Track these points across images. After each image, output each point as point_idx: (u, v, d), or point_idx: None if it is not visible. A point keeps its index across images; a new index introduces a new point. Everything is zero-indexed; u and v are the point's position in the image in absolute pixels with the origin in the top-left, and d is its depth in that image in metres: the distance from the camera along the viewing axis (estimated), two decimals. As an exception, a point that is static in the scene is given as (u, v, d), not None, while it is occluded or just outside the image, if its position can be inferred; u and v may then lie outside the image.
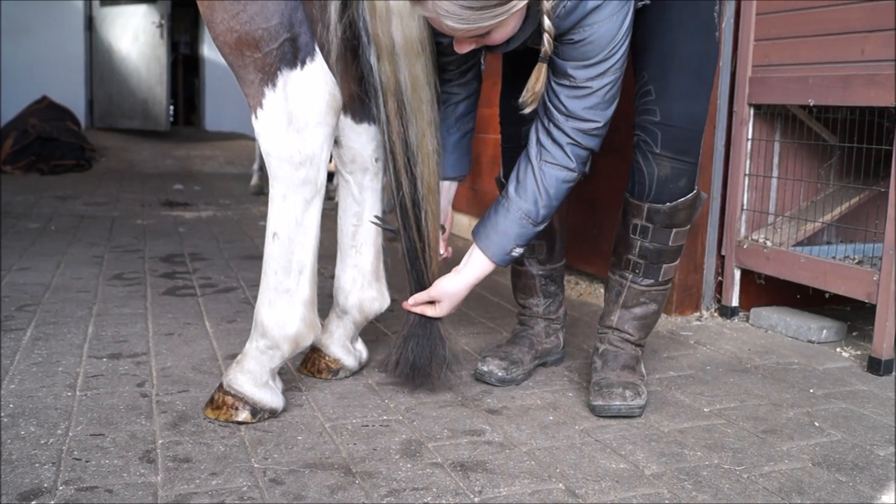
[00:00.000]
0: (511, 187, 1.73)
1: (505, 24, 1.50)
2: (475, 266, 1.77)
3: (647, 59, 1.77)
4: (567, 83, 1.63)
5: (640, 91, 1.78)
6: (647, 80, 1.77)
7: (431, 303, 1.80)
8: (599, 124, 1.66)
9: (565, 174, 1.69)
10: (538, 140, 1.69)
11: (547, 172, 1.69)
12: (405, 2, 1.59)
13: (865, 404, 1.90)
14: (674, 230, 1.82)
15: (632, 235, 1.84)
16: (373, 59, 1.67)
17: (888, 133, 2.24)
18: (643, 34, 1.75)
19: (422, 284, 1.81)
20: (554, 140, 1.67)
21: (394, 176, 1.76)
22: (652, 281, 1.86)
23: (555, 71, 1.64)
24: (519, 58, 1.85)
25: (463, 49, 1.56)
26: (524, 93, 1.61)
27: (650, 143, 1.76)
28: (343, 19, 1.71)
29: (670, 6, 1.74)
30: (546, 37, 1.55)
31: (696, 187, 1.82)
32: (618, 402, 1.75)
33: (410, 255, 1.80)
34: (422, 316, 1.81)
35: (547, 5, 1.52)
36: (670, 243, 1.83)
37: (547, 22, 1.53)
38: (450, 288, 1.77)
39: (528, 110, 1.63)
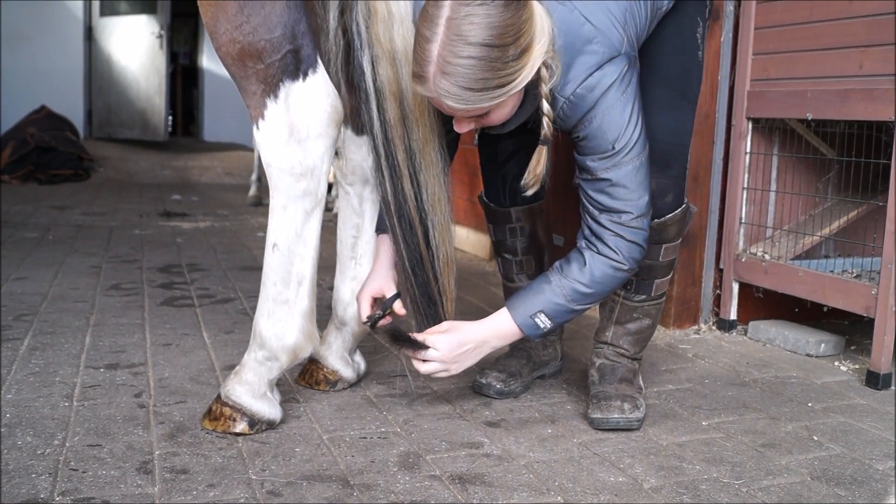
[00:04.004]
0: (557, 263, 1.68)
1: (503, 106, 1.50)
2: (496, 318, 1.69)
3: None
4: (588, 177, 1.61)
5: None
6: None
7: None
8: (632, 215, 1.59)
9: (613, 263, 1.62)
10: (583, 232, 1.66)
11: (595, 259, 1.63)
12: (406, 5, 1.59)
13: (864, 418, 1.90)
14: (664, 246, 1.82)
15: None
16: (366, 63, 1.62)
17: (886, 147, 2.25)
18: None
19: (433, 303, 1.70)
20: (594, 233, 1.63)
21: (392, 184, 1.67)
22: (644, 296, 1.86)
23: (577, 166, 1.63)
24: None
25: (462, 128, 1.55)
26: (526, 175, 1.59)
27: None
28: (340, 25, 1.70)
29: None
30: (545, 120, 1.54)
31: (684, 201, 1.83)
32: (616, 415, 1.75)
33: (413, 266, 1.69)
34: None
35: (545, 89, 1.51)
36: (661, 259, 1.83)
37: (546, 105, 1.52)
38: (466, 327, 1.68)
39: (530, 192, 1.61)
